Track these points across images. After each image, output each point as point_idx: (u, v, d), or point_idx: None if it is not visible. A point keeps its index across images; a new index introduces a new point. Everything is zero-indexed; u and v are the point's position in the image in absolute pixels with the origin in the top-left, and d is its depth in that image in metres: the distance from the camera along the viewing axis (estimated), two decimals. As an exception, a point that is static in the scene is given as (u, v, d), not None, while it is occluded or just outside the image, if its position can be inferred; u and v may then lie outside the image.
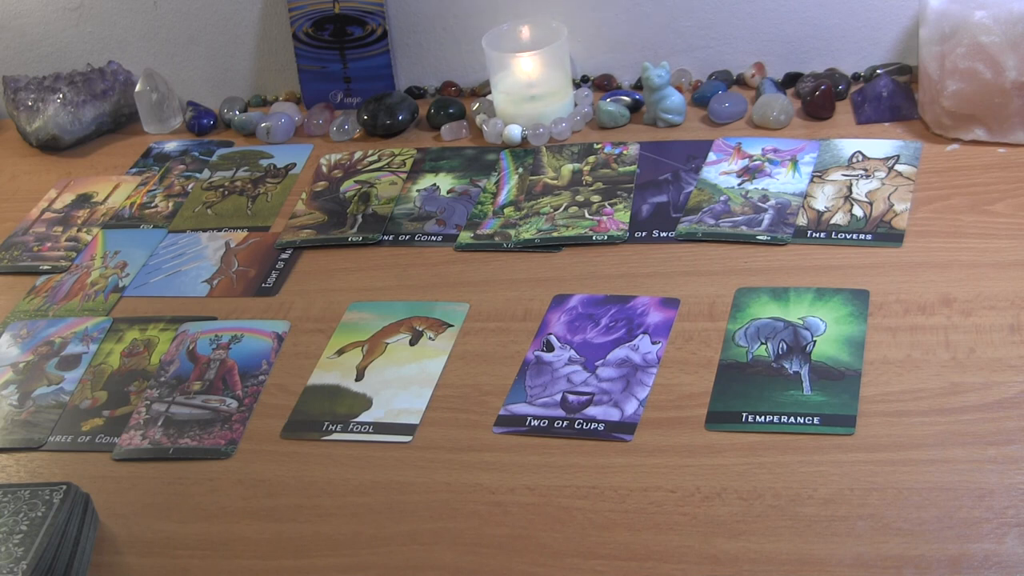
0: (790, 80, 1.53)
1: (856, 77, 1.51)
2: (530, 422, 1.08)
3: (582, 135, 1.50)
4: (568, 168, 1.42)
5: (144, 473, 1.11)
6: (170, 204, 1.51)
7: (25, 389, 1.23)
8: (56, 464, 1.14)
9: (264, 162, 1.56)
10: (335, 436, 1.11)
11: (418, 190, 1.44)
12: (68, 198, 1.56)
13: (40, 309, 1.35)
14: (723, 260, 1.23)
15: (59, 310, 1.34)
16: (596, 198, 1.36)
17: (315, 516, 1.03)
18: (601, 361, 1.13)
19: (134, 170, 1.60)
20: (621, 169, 1.40)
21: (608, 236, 1.29)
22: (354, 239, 1.37)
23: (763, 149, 1.39)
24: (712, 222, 1.28)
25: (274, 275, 1.34)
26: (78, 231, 1.48)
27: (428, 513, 1.01)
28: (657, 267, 1.24)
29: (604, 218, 1.32)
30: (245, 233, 1.43)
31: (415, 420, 1.10)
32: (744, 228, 1.27)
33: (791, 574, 0.89)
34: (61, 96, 1.64)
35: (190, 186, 1.53)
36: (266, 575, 0.98)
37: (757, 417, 1.03)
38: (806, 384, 1.06)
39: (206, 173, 1.55)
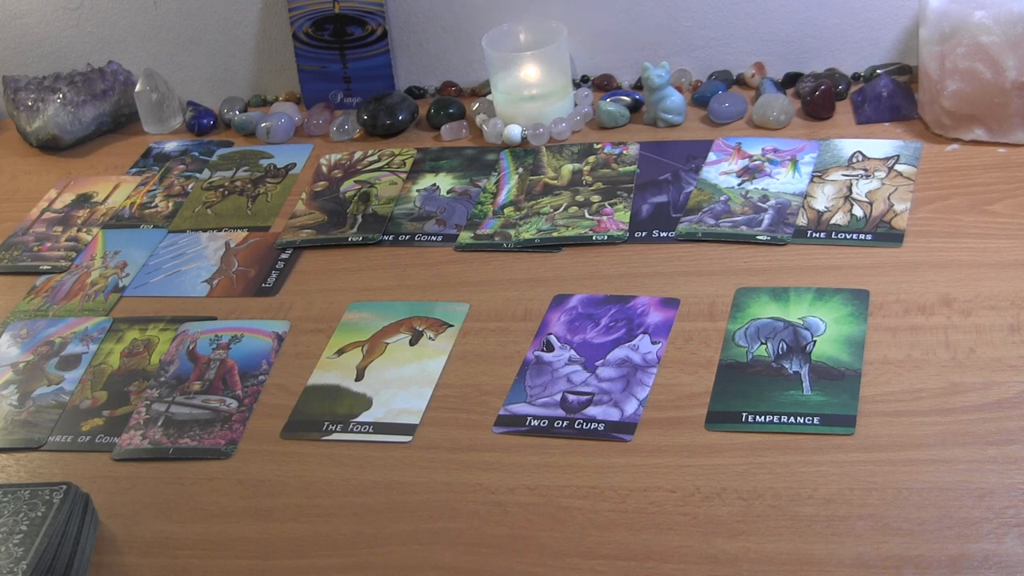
0: (790, 80, 1.53)
1: (856, 77, 1.51)
2: (530, 422, 1.08)
3: (582, 135, 1.50)
4: (568, 168, 1.42)
5: (144, 473, 1.11)
6: (170, 204, 1.51)
7: (25, 389, 1.23)
8: (56, 464, 1.14)
9: (264, 162, 1.56)
10: (335, 436, 1.11)
11: (418, 190, 1.44)
12: (68, 198, 1.56)
13: (40, 309, 1.35)
14: (723, 260, 1.23)
15: (59, 310, 1.34)
16: (596, 198, 1.36)
17: (315, 516, 1.03)
18: (601, 361, 1.13)
19: (134, 170, 1.60)
20: (621, 169, 1.40)
21: (608, 236, 1.29)
22: (354, 239, 1.37)
23: (763, 149, 1.39)
24: (712, 222, 1.28)
25: (274, 275, 1.34)
26: (78, 231, 1.48)
27: (428, 513, 1.01)
28: (657, 267, 1.24)
29: (604, 218, 1.32)
30: (245, 233, 1.43)
31: (415, 420, 1.10)
32: (744, 228, 1.27)
33: (791, 574, 0.89)
34: (61, 96, 1.64)
35: (190, 186, 1.53)
36: (266, 575, 0.98)
37: (757, 417, 1.03)
38: (806, 384, 1.06)
39: (206, 173, 1.55)
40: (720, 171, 1.37)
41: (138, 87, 1.66)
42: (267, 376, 1.19)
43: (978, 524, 0.90)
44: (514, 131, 1.49)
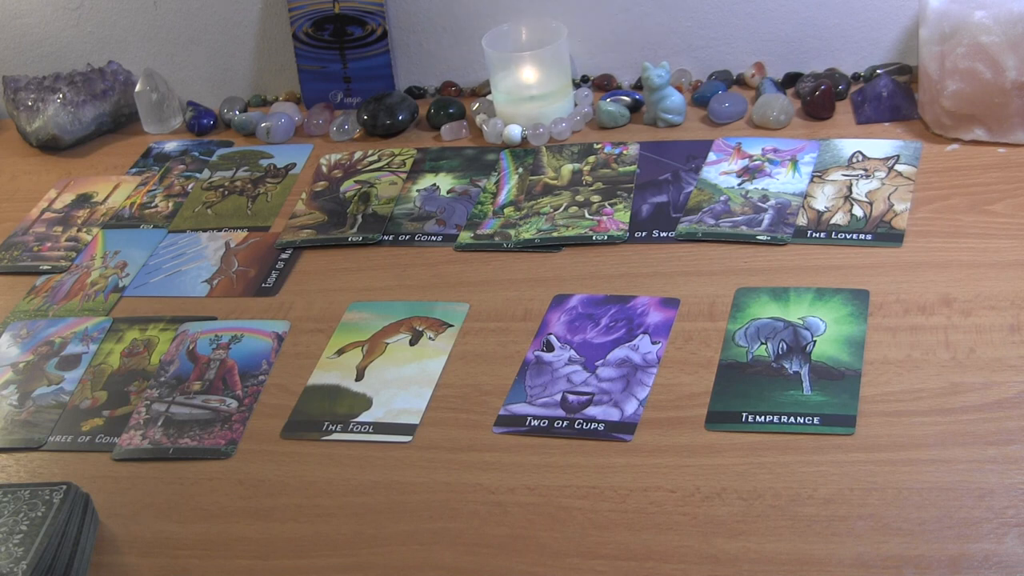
0: (790, 80, 1.53)
1: (856, 77, 1.51)
2: (530, 422, 1.08)
3: (582, 135, 1.50)
4: (568, 168, 1.42)
5: (144, 473, 1.11)
6: (170, 204, 1.51)
7: (25, 389, 1.23)
8: (56, 464, 1.14)
9: (264, 162, 1.56)
10: (335, 436, 1.11)
11: (418, 190, 1.44)
12: (68, 198, 1.56)
13: (40, 309, 1.35)
14: (723, 260, 1.23)
15: (59, 310, 1.34)
16: (596, 198, 1.36)
17: (315, 516, 1.03)
18: (601, 361, 1.13)
19: (134, 170, 1.60)
20: (621, 169, 1.40)
21: (608, 236, 1.29)
22: (354, 239, 1.37)
23: (763, 149, 1.39)
24: (712, 222, 1.28)
25: (274, 275, 1.34)
26: (78, 231, 1.48)
27: (428, 513, 1.01)
28: (657, 267, 1.24)
29: (604, 218, 1.32)
30: (245, 233, 1.43)
31: (415, 420, 1.10)
32: (744, 228, 1.27)
33: (791, 574, 0.89)
34: (61, 96, 1.64)
35: (190, 186, 1.53)
36: (266, 575, 0.98)
37: (757, 417, 1.03)
38: (806, 384, 1.06)
39: (206, 173, 1.55)
40: (720, 171, 1.37)
41: (138, 87, 1.66)
42: (267, 376, 1.19)
43: (978, 524, 0.90)
44: (514, 131, 1.49)
